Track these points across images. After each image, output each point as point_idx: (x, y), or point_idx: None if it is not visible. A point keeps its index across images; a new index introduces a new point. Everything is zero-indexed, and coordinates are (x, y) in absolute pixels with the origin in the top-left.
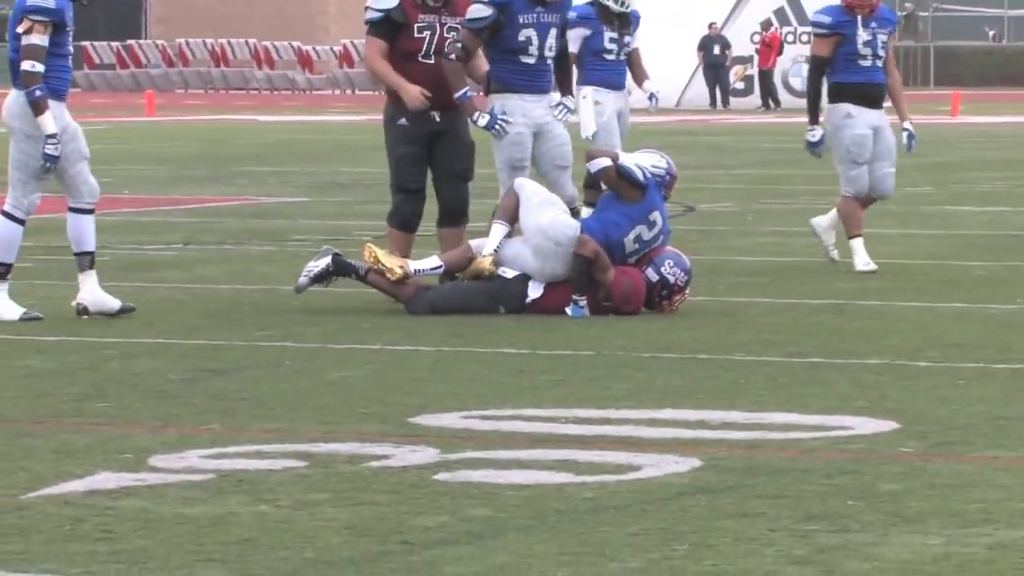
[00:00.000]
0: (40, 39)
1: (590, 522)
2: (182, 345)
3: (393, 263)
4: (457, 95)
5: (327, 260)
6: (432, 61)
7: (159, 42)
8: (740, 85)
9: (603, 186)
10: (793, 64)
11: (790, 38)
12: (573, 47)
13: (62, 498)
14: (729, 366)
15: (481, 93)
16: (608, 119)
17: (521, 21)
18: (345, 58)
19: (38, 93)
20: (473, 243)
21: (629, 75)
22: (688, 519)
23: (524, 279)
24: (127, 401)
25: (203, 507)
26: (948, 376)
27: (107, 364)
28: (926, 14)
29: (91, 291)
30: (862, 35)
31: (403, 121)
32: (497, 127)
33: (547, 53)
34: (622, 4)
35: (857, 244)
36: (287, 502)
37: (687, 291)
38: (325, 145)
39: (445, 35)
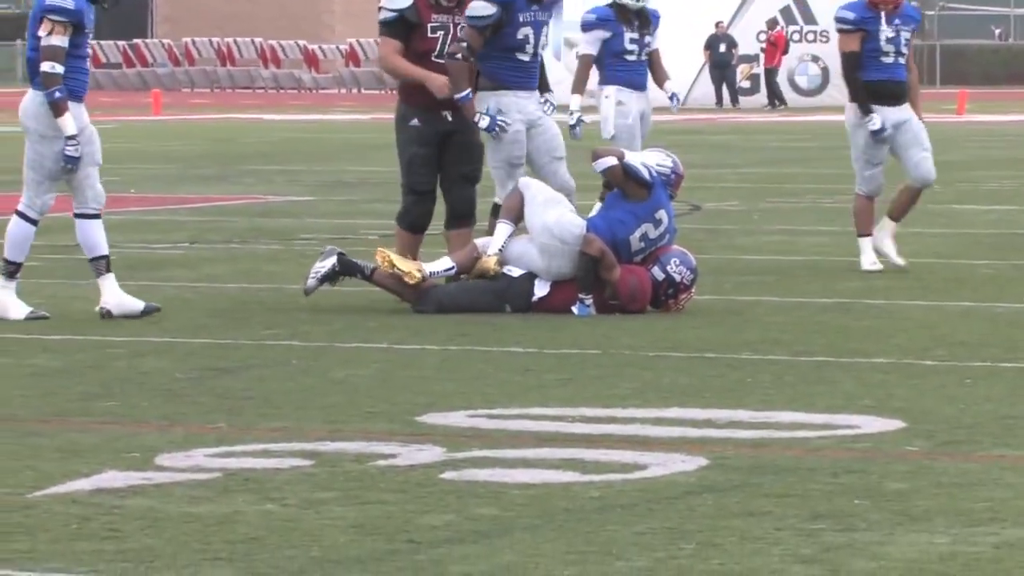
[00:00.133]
0: (60, 40)
1: (597, 521)
2: (189, 344)
3: (410, 267)
4: (458, 96)
5: (333, 260)
6: (445, 61)
7: (165, 41)
8: (746, 84)
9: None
10: (799, 63)
11: (796, 37)
12: (592, 49)
13: (69, 497)
14: (735, 365)
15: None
16: (632, 122)
17: (521, 19)
18: (351, 57)
19: (58, 95)
20: (479, 242)
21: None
22: (695, 518)
23: (530, 278)
24: (134, 400)
25: (210, 506)
26: (955, 375)
27: (114, 363)
28: (932, 13)
29: (112, 294)
30: (885, 31)
31: (415, 121)
32: (497, 128)
33: (540, 51)
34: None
35: (865, 243)
36: (294, 501)
37: (693, 290)
38: (331, 144)
39: (458, 35)
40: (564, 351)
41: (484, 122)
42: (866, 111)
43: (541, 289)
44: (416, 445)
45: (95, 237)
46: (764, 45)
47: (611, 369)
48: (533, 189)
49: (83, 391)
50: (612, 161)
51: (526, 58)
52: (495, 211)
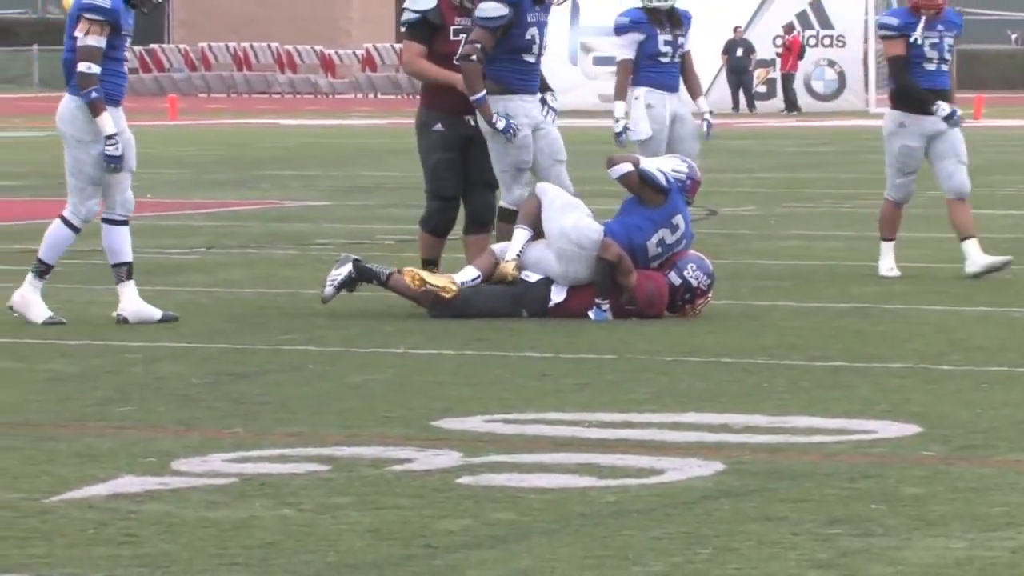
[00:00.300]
0: (96, 40)
1: (613, 526)
2: (205, 349)
3: (443, 281)
4: (474, 98)
5: (348, 267)
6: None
7: (182, 46)
8: (762, 88)
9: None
10: (816, 68)
11: (812, 42)
12: (630, 53)
13: (85, 502)
14: (752, 370)
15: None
16: (661, 127)
17: (528, 20)
18: (367, 62)
19: (94, 95)
20: (496, 247)
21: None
22: (711, 523)
23: (547, 283)
24: (150, 405)
25: (226, 511)
26: (971, 380)
27: (130, 368)
28: None
29: (131, 301)
30: (930, 37)
31: (439, 126)
32: (512, 130)
33: (543, 52)
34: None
35: (886, 248)
36: (310, 506)
37: (710, 295)
38: (347, 149)
39: (469, 37)
40: (581, 356)
41: (502, 123)
42: (930, 103)
43: (558, 294)
44: (433, 450)
45: (120, 243)
46: (780, 50)
47: (628, 374)
48: (551, 194)
49: (100, 396)
50: (628, 168)
51: (531, 60)
52: (500, 215)
